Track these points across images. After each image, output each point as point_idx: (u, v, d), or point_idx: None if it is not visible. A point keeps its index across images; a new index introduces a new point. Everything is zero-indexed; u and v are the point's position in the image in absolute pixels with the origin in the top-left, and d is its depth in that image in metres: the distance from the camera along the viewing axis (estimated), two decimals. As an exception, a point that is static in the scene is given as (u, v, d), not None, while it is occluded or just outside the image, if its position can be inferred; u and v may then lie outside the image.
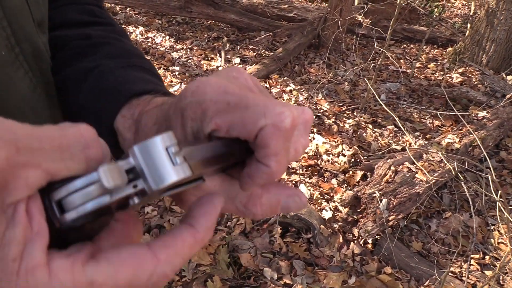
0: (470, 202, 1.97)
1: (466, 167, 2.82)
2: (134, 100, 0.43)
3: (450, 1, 9.92)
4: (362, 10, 3.29)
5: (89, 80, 0.48)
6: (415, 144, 3.24)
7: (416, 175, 2.62)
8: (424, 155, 2.84)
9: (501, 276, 2.34)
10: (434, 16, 8.44)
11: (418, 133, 3.63)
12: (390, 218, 2.34)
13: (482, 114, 3.64)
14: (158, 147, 0.25)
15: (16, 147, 0.20)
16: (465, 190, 2.08)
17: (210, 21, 5.38)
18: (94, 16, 0.58)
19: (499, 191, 1.72)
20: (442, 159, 2.88)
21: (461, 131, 3.36)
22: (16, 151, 0.20)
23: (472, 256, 2.46)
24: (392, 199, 2.41)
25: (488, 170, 1.88)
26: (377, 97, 2.61)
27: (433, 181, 2.60)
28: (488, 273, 2.38)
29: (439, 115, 3.65)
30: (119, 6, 5.43)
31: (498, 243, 2.70)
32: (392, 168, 2.61)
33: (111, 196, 0.23)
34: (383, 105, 2.51)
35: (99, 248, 0.25)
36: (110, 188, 0.23)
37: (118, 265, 0.23)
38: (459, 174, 2.44)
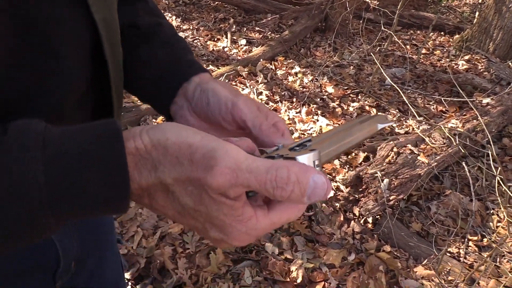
0: (471, 186, 2.00)
1: (467, 153, 2.85)
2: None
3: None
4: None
5: (161, 36, 0.63)
6: (419, 127, 3.26)
7: (418, 157, 2.64)
8: (427, 138, 2.87)
9: (498, 258, 2.39)
10: (443, 3, 8.38)
11: (421, 118, 3.64)
12: (391, 197, 2.38)
13: (486, 100, 3.65)
14: (309, 162, 0.38)
15: (236, 176, 0.34)
16: (467, 172, 2.10)
17: (216, 2, 5.37)
18: None
19: (499, 168, 1.75)
20: (444, 143, 2.91)
21: (465, 116, 3.37)
22: (236, 178, 0.34)
23: (470, 238, 2.50)
24: (394, 179, 2.44)
25: (489, 146, 1.89)
26: (386, 77, 2.61)
27: (435, 163, 2.63)
28: (486, 254, 2.42)
29: (443, 100, 3.66)
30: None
31: (497, 226, 2.74)
32: (395, 149, 2.64)
33: None
34: (394, 85, 2.51)
35: (264, 203, 0.40)
36: None
37: (283, 211, 0.39)
38: (463, 155, 2.47)
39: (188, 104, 0.55)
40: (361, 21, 5.12)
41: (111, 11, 0.50)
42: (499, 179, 1.79)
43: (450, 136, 2.72)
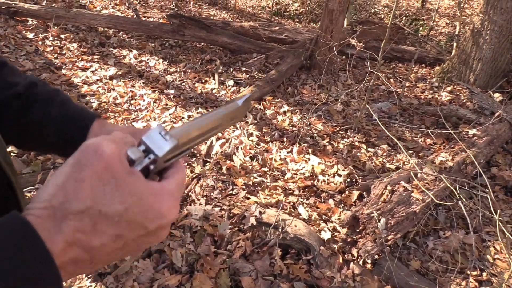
0: (468, 220, 2.01)
1: (459, 185, 2.87)
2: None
3: (434, 20, 10.19)
4: (355, 34, 3.35)
5: (57, 101, 0.68)
6: (410, 163, 3.29)
7: (412, 194, 2.66)
8: (419, 174, 2.89)
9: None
10: (420, 34, 8.65)
11: (411, 152, 3.69)
12: (389, 237, 2.37)
13: (472, 131, 3.72)
14: (155, 133, 0.42)
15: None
16: (462, 208, 2.11)
17: (202, 44, 5.46)
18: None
19: (498, 211, 1.76)
20: (436, 178, 2.93)
21: (453, 149, 3.42)
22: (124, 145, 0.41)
23: (470, 273, 2.49)
24: (390, 218, 2.44)
25: (487, 190, 1.91)
26: (375, 116, 2.65)
27: (429, 199, 2.64)
28: (487, 290, 2.41)
29: (430, 133, 3.72)
30: (112, 30, 5.49)
31: (495, 259, 2.74)
32: (389, 187, 2.65)
33: (141, 164, 0.42)
34: (382, 127, 2.54)
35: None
36: (135, 159, 0.41)
37: (174, 173, 0.45)
38: (454, 191, 2.48)
39: None
40: (344, 57, 5.24)
41: None
42: (499, 223, 1.80)
43: (441, 176, 2.74)
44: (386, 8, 10.98)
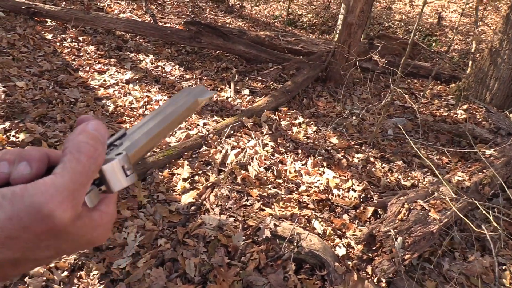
0: (491, 244, 1.97)
1: (476, 205, 2.83)
2: None
3: (447, 36, 10.17)
4: (377, 49, 3.34)
5: None
6: (425, 178, 3.26)
7: (429, 213, 2.62)
8: (436, 193, 2.86)
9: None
10: (432, 50, 8.64)
11: (426, 169, 3.65)
12: (406, 257, 2.33)
13: (489, 152, 3.68)
14: (118, 166, 0.39)
15: (70, 196, 0.35)
16: (485, 231, 2.08)
17: (218, 51, 5.47)
18: None
19: None
20: (453, 197, 2.89)
21: (470, 168, 3.39)
22: (73, 198, 0.35)
23: (486, 297, 2.44)
24: (407, 237, 2.41)
25: (508, 212, 1.88)
26: (406, 135, 2.63)
27: (446, 219, 2.61)
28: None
29: (446, 151, 3.68)
30: (129, 34, 5.52)
31: (511, 283, 2.69)
32: (406, 205, 2.62)
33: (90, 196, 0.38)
34: (412, 144, 2.51)
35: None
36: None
37: (105, 204, 0.41)
38: (487, 214, 2.45)
39: None
40: (358, 70, 5.22)
41: None
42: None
43: (458, 192, 2.71)
44: (399, 22, 10.98)
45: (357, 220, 2.90)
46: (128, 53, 5.08)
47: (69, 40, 4.99)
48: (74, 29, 5.20)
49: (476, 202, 2.20)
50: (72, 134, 0.39)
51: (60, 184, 0.35)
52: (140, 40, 5.56)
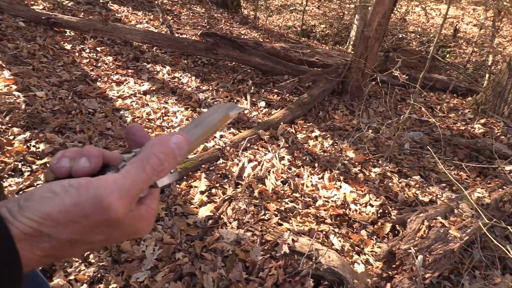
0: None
1: (496, 222, 2.79)
2: None
3: (461, 47, 10.10)
4: (397, 65, 3.33)
5: None
6: (443, 194, 3.22)
7: (450, 231, 2.59)
8: (455, 210, 2.82)
9: None
10: (447, 61, 8.58)
11: (444, 185, 3.61)
12: (427, 275, 2.30)
13: (509, 167, 3.63)
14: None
15: (128, 195, 0.41)
16: (509, 251, 2.04)
17: (234, 63, 5.50)
18: None
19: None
20: (473, 214, 2.85)
21: (490, 185, 3.34)
22: (130, 197, 0.41)
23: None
24: (428, 255, 2.38)
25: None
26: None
27: (467, 237, 2.57)
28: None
29: (464, 166, 3.64)
30: (146, 45, 5.58)
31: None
32: (426, 222, 2.59)
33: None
34: (437, 160, 2.48)
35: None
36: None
37: (151, 199, 0.47)
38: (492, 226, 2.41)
39: None
40: (374, 83, 5.20)
41: None
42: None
43: (478, 209, 2.67)
44: (414, 34, 10.95)
45: (375, 236, 2.88)
46: (145, 64, 5.14)
47: (87, 50, 5.06)
48: (92, 40, 5.28)
49: (501, 223, 2.16)
50: (154, 140, 0.46)
51: (121, 183, 0.41)
52: (157, 51, 5.61)
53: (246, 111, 4.30)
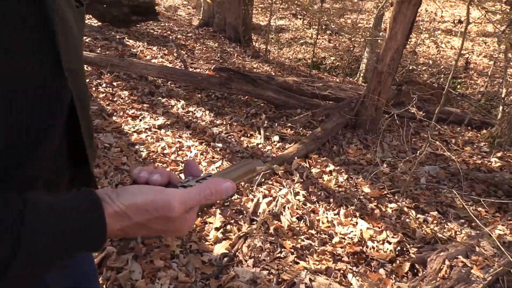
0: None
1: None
2: None
3: (472, 78, 10.11)
4: (413, 101, 3.33)
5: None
6: (462, 230, 3.14)
7: (472, 271, 2.51)
8: (477, 248, 2.75)
9: None
10: (457, 92, 8.58)
11: (462, 221, 3.54)
12: (450, 319, 2.22)
13: (529, 203, 3.55)
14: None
15: (185, 204, 0.58)
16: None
17: (247, 97, 5.56)
18: None
19: None
20: (495, 253, 2.78)
21: (511, 221, 3.27)
22: (185, 205, 0.58)
23: None
24: (450, 297, 2.30)
25: None
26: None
27: (490, 278, 2.49)
28: None
29: (482, 202, 3.57)
30: (161, 79, 5.69)
31: None
32: (447, 262, 2.52)
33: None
34: (459, 197, 2.44)
35: None
36: None
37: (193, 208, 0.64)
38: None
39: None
40: (387, 116, 5.20)
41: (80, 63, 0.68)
42: None
43: (502, 248, 2.60)
44: (424, 66, 11.01)
45: (393, 275, 2.80)
46: (160, 98, 5.22)
47: (104, 85, 5.16)
48: (109, 75, 5.39)
49: None
50: (214, 179, 0.64)
51: (185, 196, 0.58)
52: (172, 85, 5.71)
53: (260, 145, 4.31)
